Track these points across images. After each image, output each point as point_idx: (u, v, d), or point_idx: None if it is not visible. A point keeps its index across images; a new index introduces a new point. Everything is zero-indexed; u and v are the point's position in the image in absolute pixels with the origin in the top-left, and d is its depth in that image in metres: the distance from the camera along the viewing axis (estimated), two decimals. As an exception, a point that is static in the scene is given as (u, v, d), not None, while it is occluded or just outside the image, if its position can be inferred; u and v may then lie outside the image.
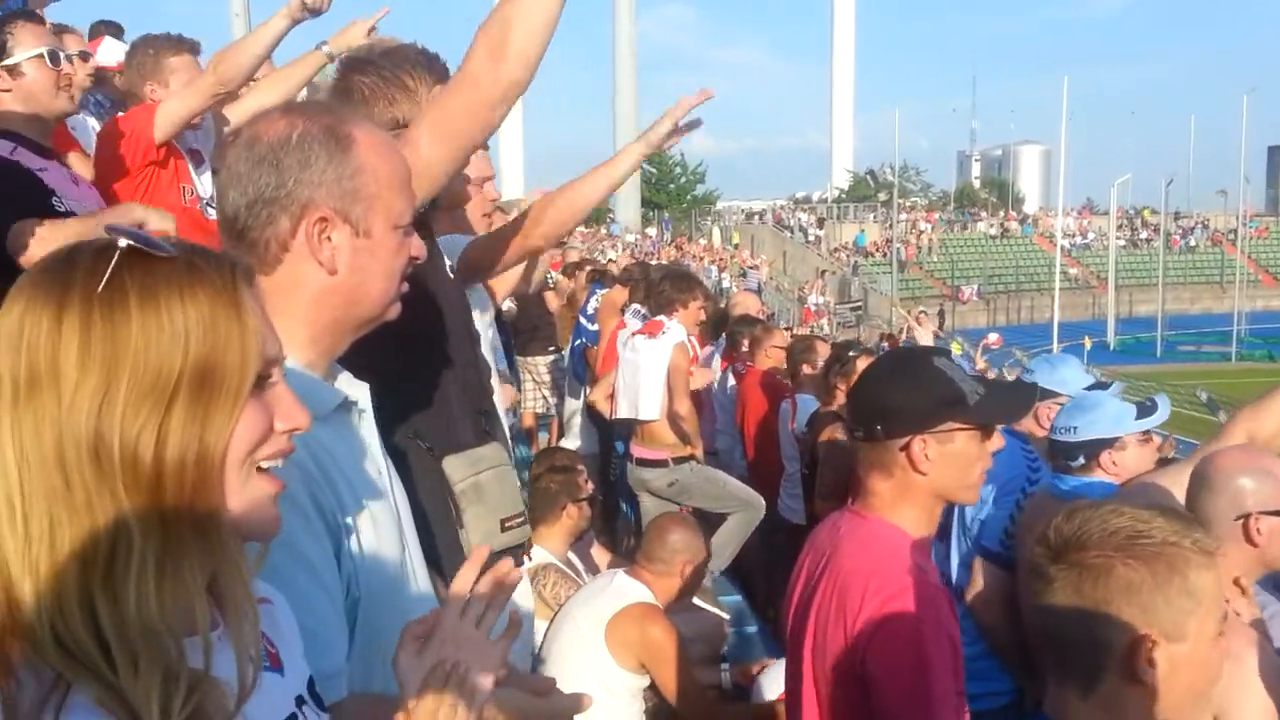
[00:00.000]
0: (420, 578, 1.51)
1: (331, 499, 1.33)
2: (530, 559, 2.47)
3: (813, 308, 33.89)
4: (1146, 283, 46.28)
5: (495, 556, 1.34)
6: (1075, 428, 2.94)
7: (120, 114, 3.68)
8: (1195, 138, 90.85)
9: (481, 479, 2.10)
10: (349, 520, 1.36)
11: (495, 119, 1.88)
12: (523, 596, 2.39)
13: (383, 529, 1.42)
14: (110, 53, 4.36)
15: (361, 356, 1.50)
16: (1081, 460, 2.92)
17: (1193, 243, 55.85)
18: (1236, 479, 2.17)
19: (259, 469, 0.96)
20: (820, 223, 54.13)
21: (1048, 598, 1.43)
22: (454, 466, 2.07)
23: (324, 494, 1.32)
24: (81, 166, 3.33)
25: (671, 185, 58.30)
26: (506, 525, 2.14)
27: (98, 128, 3.96)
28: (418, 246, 1.48)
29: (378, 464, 1.48)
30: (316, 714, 1.09)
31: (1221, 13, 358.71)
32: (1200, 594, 1.37)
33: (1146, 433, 2.99)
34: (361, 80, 2.04)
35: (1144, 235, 54.97)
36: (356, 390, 1.47)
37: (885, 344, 13.94)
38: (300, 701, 1.07)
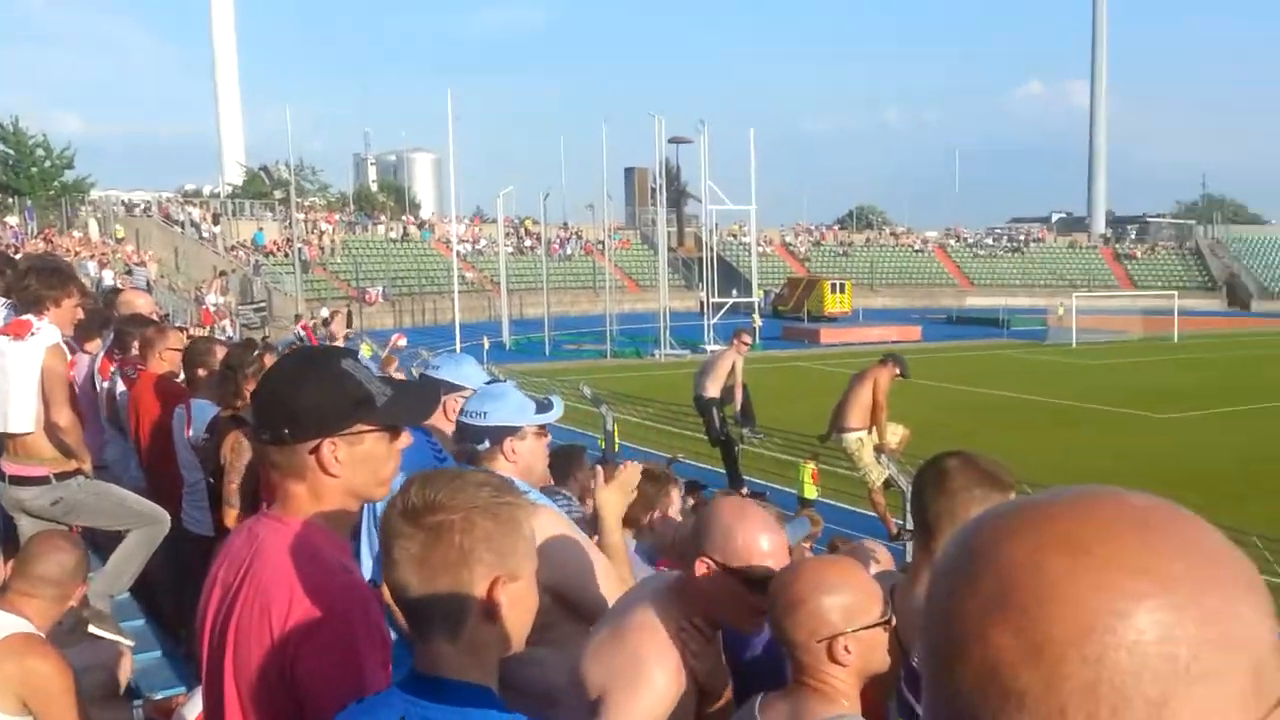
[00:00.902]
0: None
1: None
2: None
3: (212, 308, 32.01)
4: (534, 287, 50.42)
5: None
6: (485, 413, 3.09)
7: None
8: (565, 157, 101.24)
9: None
10: None
11: None
12: None
13: None
14: None
15: None
16: (487, 444, 3.08)
17: (569, 251, 62.12)
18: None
19: None
20: (215, 219, 51.33)
21: (408, 559, 1.55)
22: None
23: None
24: None
25: (34, 169, 51.19)
26: None
27: None
28: None
29: None
30: None
31: (579, 46, 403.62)
32: (529, 539, 1.63)
33: (542, 427, 3.24)
34: None
35: (528, 243, 59.94)
36: None
37: (303, 331, 13.58)
38: None
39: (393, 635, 1.96)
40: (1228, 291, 68.84)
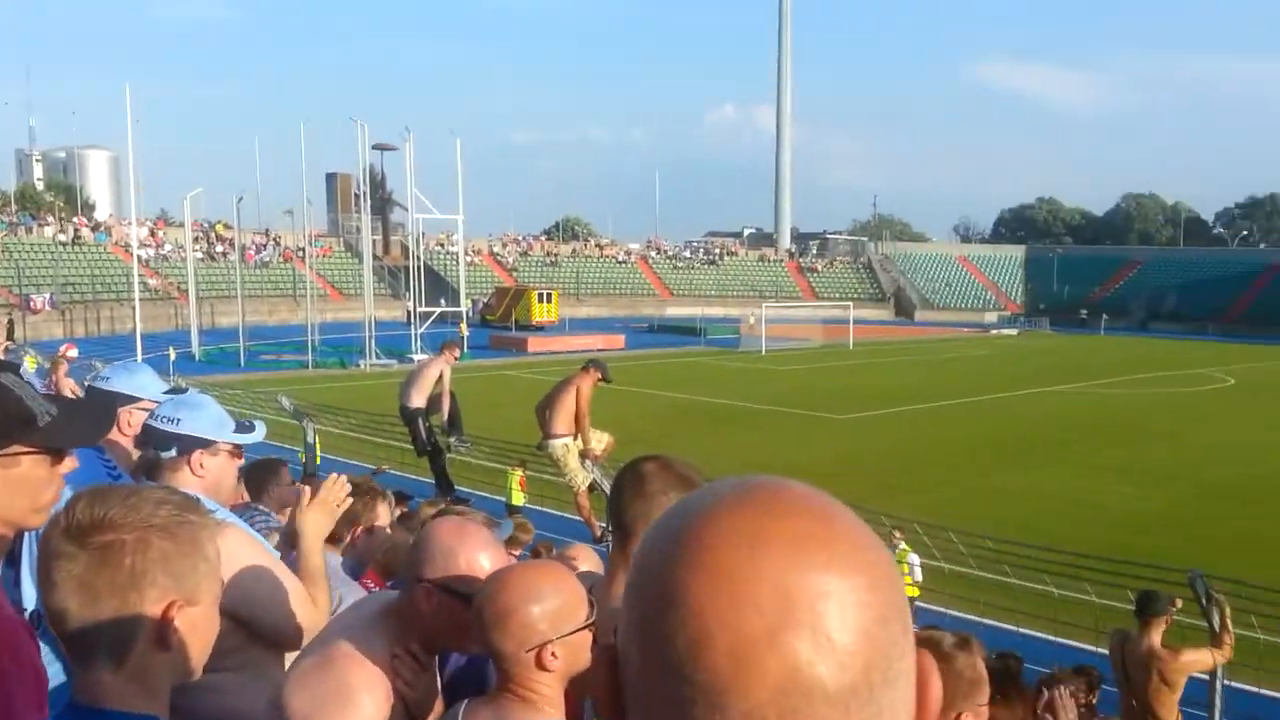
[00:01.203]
0: None
1: None
2: None
3: None
4: (227, 295, 47.70)
5: None
6: (179, 420, 2.92)
7: None
8: (261, 159, 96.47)
9: None
10: None
11: None
12: None
13: None
14: None
15: None
16: (174, 452, 2.91)
17: (267, 258, 59.19)
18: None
19: None
20: None
21: (69, 580, 1.43)
22: None
23: None
24: None
25: None
26: None
27: None
28: None
29: None
30: None
31: (273, 45, 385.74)
32: (212, 560, 1.54)
33: (238, 447, 3.08)
34: None
35: (220, 249, 56.57)
36: None
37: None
38: None
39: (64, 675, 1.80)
40: (895, 302, 75.98)
